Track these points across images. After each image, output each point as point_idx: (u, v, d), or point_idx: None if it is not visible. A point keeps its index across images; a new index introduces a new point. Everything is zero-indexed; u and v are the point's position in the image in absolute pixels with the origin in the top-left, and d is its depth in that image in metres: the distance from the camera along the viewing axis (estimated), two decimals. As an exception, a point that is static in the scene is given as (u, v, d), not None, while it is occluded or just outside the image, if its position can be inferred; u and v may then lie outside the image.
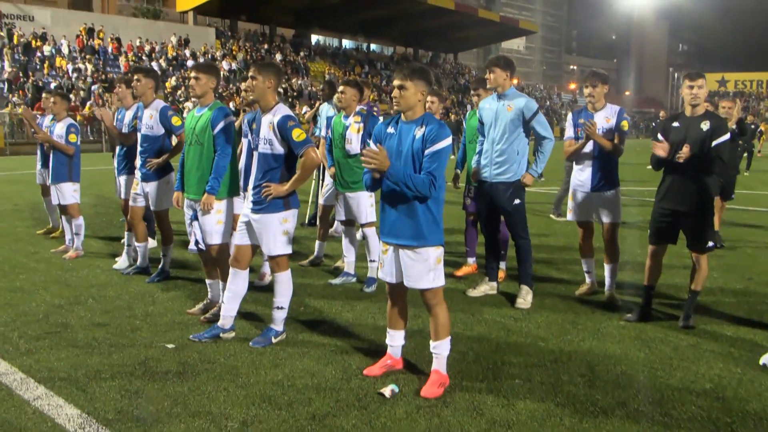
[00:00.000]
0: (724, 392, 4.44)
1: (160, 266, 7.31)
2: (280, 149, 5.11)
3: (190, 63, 42.66)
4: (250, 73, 5.22)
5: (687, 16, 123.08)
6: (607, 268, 6.61)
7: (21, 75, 36.22)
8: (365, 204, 7.01)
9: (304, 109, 41.75)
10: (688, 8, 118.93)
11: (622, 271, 7.09)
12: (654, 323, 5.87)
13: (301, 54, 54.92)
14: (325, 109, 9.23)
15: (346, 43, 67.15)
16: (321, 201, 8.25)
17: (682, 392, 4.43)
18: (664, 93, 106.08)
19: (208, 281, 6.14)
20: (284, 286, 5.28)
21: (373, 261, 6.99)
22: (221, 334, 5.35)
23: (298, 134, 5.05)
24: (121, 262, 7.85)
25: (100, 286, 7.03)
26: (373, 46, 68.64)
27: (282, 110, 5.17)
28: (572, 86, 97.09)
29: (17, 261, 8.19)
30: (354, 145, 6.95)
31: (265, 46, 53.20)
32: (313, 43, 61.62)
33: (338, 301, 6.52)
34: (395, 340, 4.72)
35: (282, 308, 5.28)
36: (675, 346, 5.30)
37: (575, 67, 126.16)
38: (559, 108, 72.18)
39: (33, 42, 39.78)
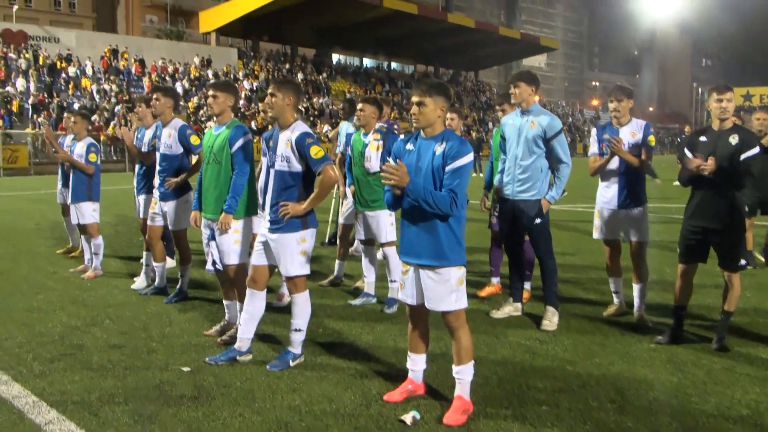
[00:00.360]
0: (762, 419, 4.23)
1: (177, 286, 7.22)
2: (297, 167, 5.00)
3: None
4: (269, 90, 5.13)
5: (710, 30, 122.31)
6: (635, 288, 6.40)
7: (45, 96, 36.68)
8: (385, 223, 6.88)
9: (325, 127, 41.94)
10: (711, 22, 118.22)
11: (650, 291, 6.86)
12: (686, 346, 5.65)
13: (324, 74, 55.18)
14: (345, 127, 9.15)
15: (367, 62, 67.42)
16: (341, 220, 8.14)
17: (717, 419, 4.23)
18: (688, 108, 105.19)
19: (225, 302, 6.03)
20: (302, 307, 5.14)
21: (394, 281, 6.83)
22: (238, 357, 5.22)
23: (316, 151, 4.94)
24: (139, 282, 7.77)
25: (117, 306, 6.95)
26: (393, 65, 68.92)
27: (300, 127, 5.06)
28: (595, 102, 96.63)
29: (36, 280, 8.14)
30: (373, 163, 6.84)
31: (287, 66, 53.55)
32: (334, 62, 61.94)
33: (358, 322, 6.37)
34: (417, 364, 4.56)
35: (300, 330, 5.14)
36: (708, 370, 5.09)
37: (597, 83, 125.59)
38: (582, 125, 71.82)
39: (58, 63, 40.36)
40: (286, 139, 5.03)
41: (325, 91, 52.39)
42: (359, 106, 7.00)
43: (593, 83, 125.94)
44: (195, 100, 41.40)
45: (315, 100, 49.24)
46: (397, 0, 57.53)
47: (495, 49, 67.87)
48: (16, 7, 53.61)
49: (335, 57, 64.00)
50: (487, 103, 67.09)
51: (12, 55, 39.46)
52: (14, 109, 34.62)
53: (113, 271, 8.72)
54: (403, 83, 62.73)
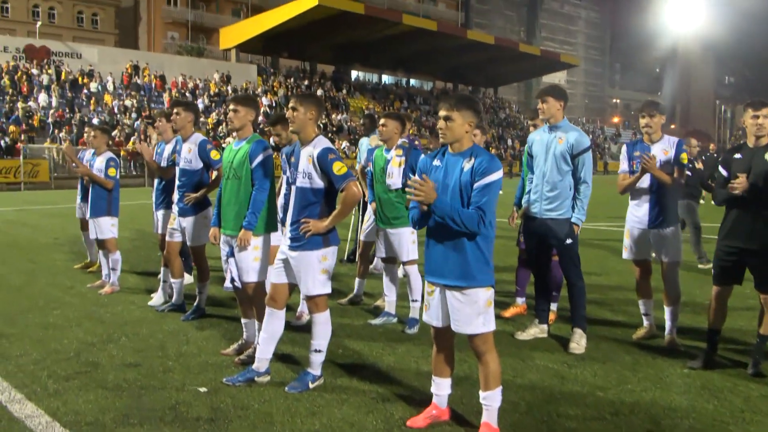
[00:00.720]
0: (808, 452, 4.01)
1: (195, 303, 7.08)
2: (319, 183, 4.86)
3: (232, 98, 43.21)
4: (290, 104, 5.00)
5: (733, 48, 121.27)
6: (667, 310, 6.18)
7: (67, 111, 36.98)
8: (407, 241, 6.71)
9: (344, 144, 41.97)
10: (733, 40, 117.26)
11: (680, 314, 6.63)
12: (720, 371, 5.42)
13: (343, 91, 55.32)
14: (365, 143, 9.04)
15: (386, 78, 67.56)
16: (361, 237, 7.98)
17: (759, 451, 4.02)
18: (712, 125, 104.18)
19: (243, 321, 5.88)
20: (322, 327, 4.98)
21: (415, 301, 6.66)
22: (256, 378, 5.06)
23: (338, 167, 4.80)
24: (157, 298, 7.65)
25: (134, 323, 6.83)
26: (412, 81, 69.02)
27: (322, 142, 4.93)
28: (615, 120, 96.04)
29: (53, 295, 8.05)
30: (395, 179, 6.69)
31: (306, 82, 53.76)
32: (352, 78, 62.12)
33: (378, 343, 6.19)
34: (441, 388, 4.38)
35: (320, 351, 4.98)
36: (746, 397, 4.87)
37: (618, 101, 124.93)
38: (603, 142, 71.38)
39: (80, 79, 40.72)
40: (307, 155, 4.90)
41: (344, 108, 52.50)
42: (381, 121, 6.86)
43: (614, 100, 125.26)
44: (214, 116, 41.59)
45: (333, 116, 49.35)
46: (417, 17, 57.82)
47: (515, 66, 67.75)
48: (39, 23, 54.21)
49: (354, 73, 64.20)
50: (507, 120, 66.95)
51: (34, 70, 39.86)
52: (35, 123, 34.90)
53: (131, 286, 8.62)
54: (422, 100, 62.78)
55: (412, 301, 6.71)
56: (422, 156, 4.49)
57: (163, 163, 7.69)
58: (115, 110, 39.16)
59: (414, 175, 4.36)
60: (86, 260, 10.04)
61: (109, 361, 5.59)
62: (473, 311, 4.01)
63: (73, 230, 12.99)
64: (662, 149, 6.10)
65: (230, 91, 46.04)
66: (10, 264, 10.30)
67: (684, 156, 6.10)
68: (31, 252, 11.50)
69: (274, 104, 46.69)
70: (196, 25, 67.99)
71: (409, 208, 4.21)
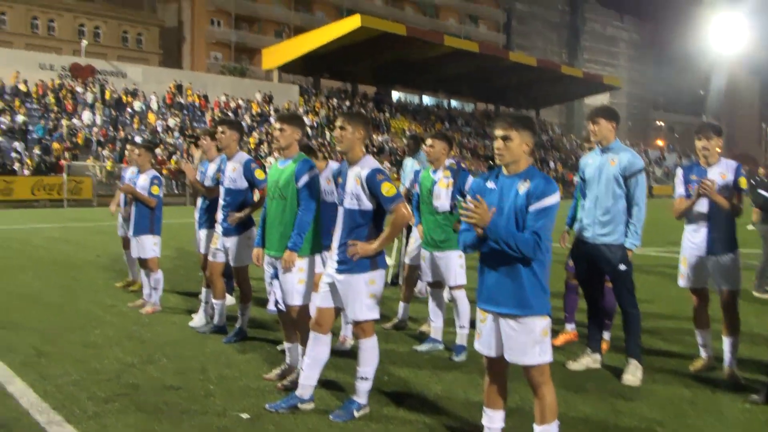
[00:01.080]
0: None
1: (237, 326, 6.97)
2: (368, 205, 4.72)
3: (273, 119, 43.56)
4: (338, 123, 4.89)
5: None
6: (726, 341, 5.87)
7: (111, 129, 37.57)
8: (455, 265, 6.50)
9: (384, 164, 41.93)
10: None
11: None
12: (785, 407, 5.13)
13: (386, 113, 55.39)
14: (411, 164, 8.90)
15: (427, 100, 67.60)
16: (406, 260, 7.80)
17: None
18: (758, 149, 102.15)
19: (286, 345, 5.73)
20: (369, 353, 4.82)
21: (463, 327, 6.44)
22: (299, 405, 4.91)
23: (387, 189, 4.66)
24: (198, 319, 7.55)
25: (174, 344, 6.74)
26: (453, 103, 68.91)
27: (370, 163, 4.81)
28: (660, 143, 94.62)
29: (94, 314, 8.02)
30: (443, 201, 6.51)
31: (347, 103, 54.01)
32: (394, 99, 62.27)
33: (425, 370, 5.99)
34: (494, 421, 4.16)
35: (366, 379, 4.81)
36: (816, 437, 4.59)
37: (662, 123, 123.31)
38: (647, 165, 70.35)
39: (124, 97, 41.39)
40: (355, 176, 4.77)
41: (385, 129, 52.58)
42: (428, 142, 6.71)
43: (658, 123, 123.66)
44: (256, 135, 41.92)
45: (375, 137, 49.44)
46: (458, 38, 57.83)
47: (557, 88, 67.31)
48: (85, 42, 55.30)
49: (395, 94, 64.35)
50: (550, 142, 66.43)
51: (79, 88, 40.60)
52: (79, 141, 35.49)
53: (171, 306, 8.55)
54: (464, 121, 62.61)
55: (460, 327, 6.49)
56: (471, 177, 4.32)
57: (207, 182, 7.62)
58: (158, 129, 39.69)
59: (462, 197, 4.20)
60: (128, 279, 10.02)
61: (149, 383, 5.50)
62: (529, 340, 3.82)
63: (115, 248, 13.02)
64: (719, 173, 5.86)
65: (272, 111, 46.43)
66: (52, 281, 10.34)
67: (743, 180, 5.85)
68: (73, 269, 11.55)
69: (315, 125, 46.93)
70: (239, 46, 68.99)
71: (461, 231, 4.04)
